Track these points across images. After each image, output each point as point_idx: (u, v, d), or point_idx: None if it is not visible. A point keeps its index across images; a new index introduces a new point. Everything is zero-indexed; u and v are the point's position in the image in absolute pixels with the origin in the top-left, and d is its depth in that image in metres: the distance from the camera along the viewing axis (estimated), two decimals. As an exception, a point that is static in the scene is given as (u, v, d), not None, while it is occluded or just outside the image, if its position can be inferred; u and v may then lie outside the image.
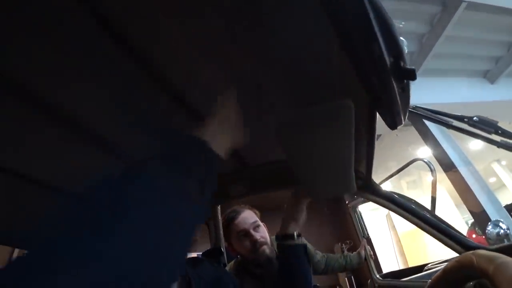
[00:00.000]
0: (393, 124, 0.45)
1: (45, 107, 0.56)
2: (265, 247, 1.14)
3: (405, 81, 0.37)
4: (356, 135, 0.61)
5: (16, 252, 2.23)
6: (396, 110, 0.41)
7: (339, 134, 0.56)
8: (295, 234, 0.90)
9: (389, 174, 1.75)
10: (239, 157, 0.96)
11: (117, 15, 0.41)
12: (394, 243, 6.79)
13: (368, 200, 1.14)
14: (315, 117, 0.52)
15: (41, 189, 0.81)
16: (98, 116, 0.63)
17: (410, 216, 1.06)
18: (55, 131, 0.63)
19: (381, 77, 0.36)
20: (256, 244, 1.13)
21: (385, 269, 2.11)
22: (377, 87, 0.40)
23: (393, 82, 0.36)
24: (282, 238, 0.92)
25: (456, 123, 0.74)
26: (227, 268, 1.23)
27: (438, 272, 0.63)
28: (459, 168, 2.82)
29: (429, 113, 0.78)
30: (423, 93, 3.60)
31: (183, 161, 0.36)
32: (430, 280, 0.66)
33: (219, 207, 1.33)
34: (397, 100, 0.38)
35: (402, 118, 0.44)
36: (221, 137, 0.42)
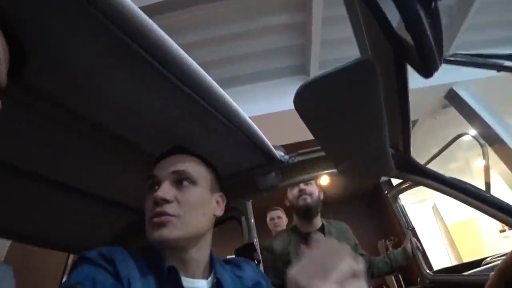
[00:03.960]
0: (425, 68, 0.35)
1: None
2: (307, 197, 1.44)
3: (433, 3, 0.30)
4: (386, 102, 0.55)
5: (71, 258, 2.41)
6: (427, 46, 0.32)
7: (363, 99, 0.50)
8: None
9: (435, 166, 1.57)
10: (266, 150, 0.93)
11: None
12: (444, 237, 6.26)
13: (408, 180, 1.04)
14: (332, 81, 0.47)
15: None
16: None
17: (462, 196, 0.92)
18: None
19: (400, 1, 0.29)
20: (301, 192, 1.44)
21: (437, 267, 1.91)
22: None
23: (418, 6, 0.29)
24: None
25: (508, 63, 0.62)
26: (281, 234, 1.54)
27: (506, 257, 0.53)
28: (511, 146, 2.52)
29: (472, 57, 0.67)
30: (460, 71, 3.30)
31: None
32: (492, 273, 0.56)
33: (250, 202, 1.30)
34: (425, 31, 0.30)
35: (437, 58, 0.34)
36: None
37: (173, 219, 0.54)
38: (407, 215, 1.78)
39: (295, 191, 1.46)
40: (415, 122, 3.80)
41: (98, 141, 0.70)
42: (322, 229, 1.49)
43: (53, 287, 2.22)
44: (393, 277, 4.35)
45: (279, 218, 2.54)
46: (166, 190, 0.56)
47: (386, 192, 1.85)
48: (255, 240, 1.23)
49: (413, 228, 1.75)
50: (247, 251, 1.12)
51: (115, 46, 0.43)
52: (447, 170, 5.64)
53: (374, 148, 0.65)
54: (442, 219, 6.26)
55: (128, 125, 0.68)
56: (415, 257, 1.65)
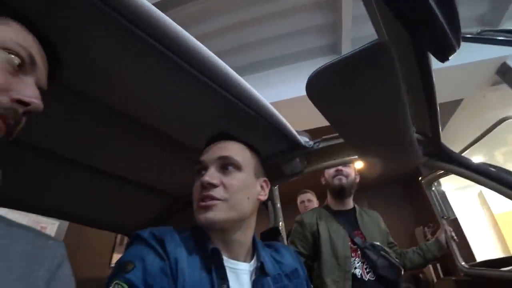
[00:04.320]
0: (440, 50, 0.33)
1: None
2: (343, 177, 1.50)
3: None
4: (411, 86, 0.52)
5: (119, 237, 2.69)
6: (438, 26, 0.29)
7: (380, 83, 0.48)
8: None
9: (479, 150, 1.45)
10: (289, 136, 0.94)
11: None
12: (490, 227, 5.79)
13: (438, 168, 0.98)
14: (344, 67, 0.45)
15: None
16: None
17: (500, 187, 0.85)
18: None
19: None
20: (337, 172, 1.50)
21: (481, 259, 1.76)
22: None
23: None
24: None
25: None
26: (313, 209, 1.64)
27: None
28: None
29: (504, 34, 0.58)
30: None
31: None
32: None
33: (276, 187, 1.32)
34: (434, 11, 0.28)
35: (451, 38, 0.31)
36: None
37: (219, 202, 0.57)
38: (442, 203, 1.68)
39: (331, 170, 1.53)
40: (459, 102, 3.46)
41: (139, 136, 0.78)
42: (353, 211, 1.55)
43: (103, 262, 2.51)
44: (430, 265, 4.17)
45: (309, 201, 2.56)
46: (212, 175, 0.60)
47: (420, 178, 1.75)
48: (281, 224, 1.26)
49: (449, 217, 1.63)
50: (272, 235, 1.16)
51: (128, 37, 0.47)
52: (494, 155, 5.12)
53: (397, 135, 0.63)
54: (489, 207, 5.78)
55: (157, 118, 0.73)
56: (450, 248, 1.56)
